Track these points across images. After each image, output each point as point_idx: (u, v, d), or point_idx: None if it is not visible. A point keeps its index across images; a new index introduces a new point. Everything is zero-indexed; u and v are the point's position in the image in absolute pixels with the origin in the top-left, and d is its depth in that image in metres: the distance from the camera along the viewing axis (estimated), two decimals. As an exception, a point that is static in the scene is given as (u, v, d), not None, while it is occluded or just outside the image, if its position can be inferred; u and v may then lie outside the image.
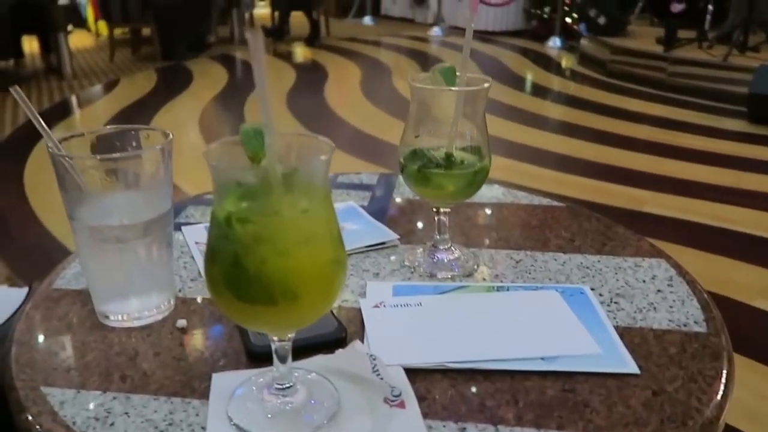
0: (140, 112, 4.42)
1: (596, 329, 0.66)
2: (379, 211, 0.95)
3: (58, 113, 4.49)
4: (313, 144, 0.50)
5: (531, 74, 5.84)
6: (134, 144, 0.66)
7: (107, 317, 0.66)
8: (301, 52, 6.95)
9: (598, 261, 0.81)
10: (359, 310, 0.69)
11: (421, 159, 0.74)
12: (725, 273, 2.25)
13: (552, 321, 0.68)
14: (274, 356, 0.53)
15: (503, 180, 2.98)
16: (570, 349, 0.63)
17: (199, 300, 0.72)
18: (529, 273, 0.78)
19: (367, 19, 9.15)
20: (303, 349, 0.59)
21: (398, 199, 1.00)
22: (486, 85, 0.72)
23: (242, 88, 5.17)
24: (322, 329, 0.63)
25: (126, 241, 0.63)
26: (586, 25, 6.31)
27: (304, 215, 0.47)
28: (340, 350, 0.60)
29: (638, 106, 4.58)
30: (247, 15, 7.88)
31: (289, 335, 0.52)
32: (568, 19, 6.93)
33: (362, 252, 0.83)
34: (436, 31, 7.80)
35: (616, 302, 0.72)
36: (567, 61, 6.34)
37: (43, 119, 0.63)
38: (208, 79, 5.49)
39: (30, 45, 6.39)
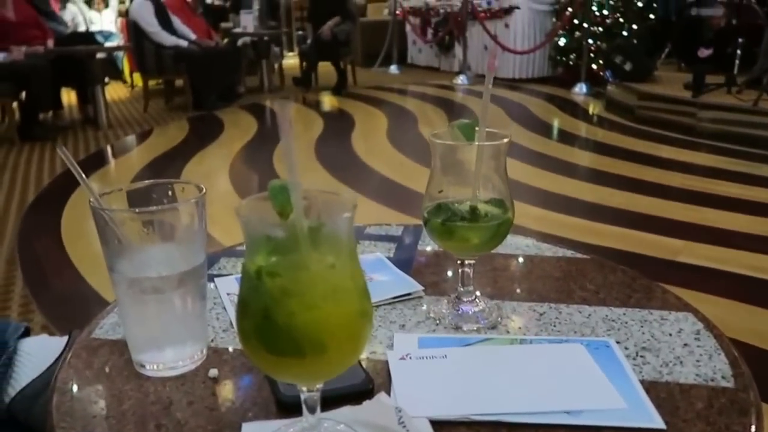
0: (172, 161, 4.54)
1: (622, 383, 0.67)
2: (405, 262, 0.97)
3: (93, 163, 4.64)
4: (338, 201, 0.53)
5: (558, 121, 5.87)
6: (170, 197, 0.69)
7: (143, 366, 0.69)
8: (328, 101, 7.10)
9: (624, 314, 0.82)
10: (386, 362, 0.71)
11: (445, 212, 0.76)
12: (764, 325, 2.20)
13: (577, 374, 0.69)
14: (303, 406, 0.55)
15: (532, 229, 2.97)
16: (595, 403, 0.63)
17: (230, 350, 0.74)
18: (554, 326, 0.79)
19: (394, 68, 9.34)
20: (331, 400, 0.61)
21: (424, 250, 1.02)
22: (505, 140, 0.74)
23: (271, 136, 5.29)
24: (350, 380, 0.65)
25: (162, 292, 0.66)
26: (612, 72, 6.35)
27: (330, 269, 0.50)
28: (367, 401, 0.61)
29: (669, 152, 4.55)
30: (276, 65, 8.10)
31: (318, 386, 0.54)
32: (593, 66, 6.98)
33: (389, 303, 0.84)
34: (461, 79, 7.92)
35: (642, 356, 0.73)
36: (594, 107, 6.36)
37: (83, 166, 0.66)
38: (238, 128, 5.64)
39: (68, 97, 6.64)
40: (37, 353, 0.85)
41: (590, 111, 6.29)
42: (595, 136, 5.34)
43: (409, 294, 0.86)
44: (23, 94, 5.24)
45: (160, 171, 4.35)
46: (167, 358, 0.68)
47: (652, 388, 0.66)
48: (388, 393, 0.65)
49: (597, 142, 5.08)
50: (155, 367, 0.68)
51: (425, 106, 6.65)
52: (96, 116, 5.81)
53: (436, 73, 9.12)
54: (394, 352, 0.72)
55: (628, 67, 6.14)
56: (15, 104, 5.28)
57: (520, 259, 0.98)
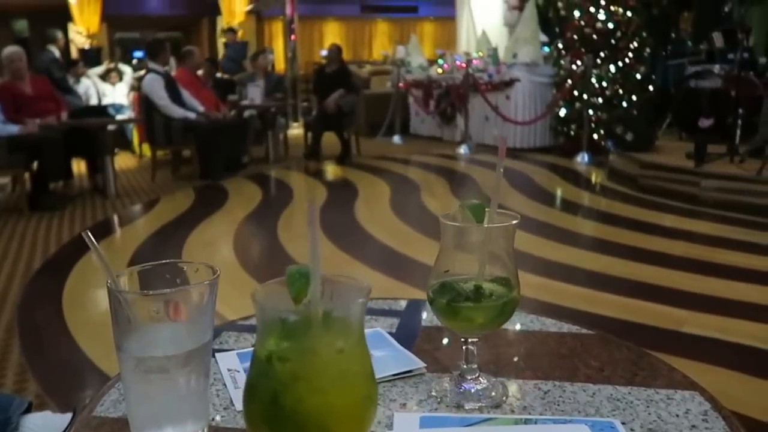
0: (177, 229, 4.57)
1: (628, 467, 0.65)
2: (406, 337, 0.96)
3: (100, 231, 4.67)
4: (352, 285, 0.54)
5: (561, 189, 5.92)
6: (182, 276, 0.69)
7: (143, 446, 0.67)
8: (332, 171, 7.20)
9: (629, 392, 0.80)
10: (386, 444, 0.69)
11: (450, 292, 0.76)
12: (769, 398, 2.15)
13: (582, 457, 0.67)
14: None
15: (532, 298, 2.96)
16: (601, 489, 0.61)
17: (230, 428, 0.72)
18: (558, 405, 0.77)
19: (396, 138, 9.50)
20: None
21: (426, 326, 1.01)
22: (514, 222, 0.75)
23: (275, 206, 5.34)
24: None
25: (168, 371, 0.65)
26: (614, 141, 6.43)
27: (339, 354, 0.50)
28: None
29: (672, 221, 4.56)
30: (281, 136, 8.25)
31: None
32: (595, 136, 7.08)
33: (389, 381, 0.83)
34: (463, 149, 8.04)
35: (648, 437, 0.71)
36: (596, 177, 6.41)
37: (102, 251, 0.67)
38: (243, 197, 5.70)
39: (78, 167, 6.76)
40: (41, 429, 0.83)
41: (593, 180, 6.35)
42: (598, 205, 5.37)
43: (410, 371, 0.85)
44: (35, 165, 5.33)
45: (166, 239, 4.37)
46: (167, 437, 0.66)
47: (660, 472, 0.65)
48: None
49: (600, 211, 5.11)
50: (156, 446, 0.67)
51: (428, 176, 6.73)
52: (105, 186, 5.90)
53: (438, 143, 9.27)
54: (395, 433, 0.71)
55: (629, 137, 6.22)
56: (26, 174, 5.37)
57: (524, 336, 0.97)
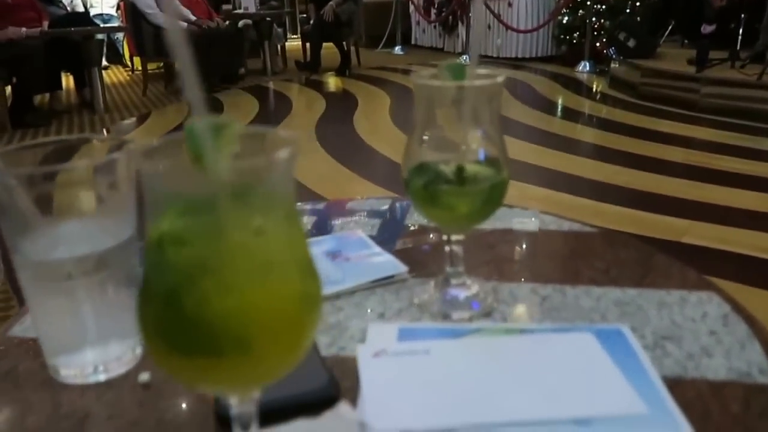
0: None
1: (639, 381, 0.55)
2: (388, 240, 0.85)
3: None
4: (272, 140, 0.39)
5: (562, 98, 5.73)
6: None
7: (58, 372, 0.56)
8: (332, 82, 6.95)
9: (638, 295, 0.70)
10: (357, 359, 0.59)
11: (428, 174, 0.64)
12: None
13: (586, 371, 0.57)
14: (234, 424, 0.42)
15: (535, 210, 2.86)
16: (609, 408, 0.52)
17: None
18: (558, 311, 0.67)
19: (398, 49, 9.18)
20: (282, 411, 0.49)
21: (411, 227, 0.90)
22: (499, 79, 0.62)
23: (273, 119, 5.16)
24: (308, 385, 0.53)
25: (77, 278, 0.53)
26: (616, 49, 6.21)
27: (257, 237, 0.36)
28: (328, 413, 0.50)
29: (672, 127, 4.43)
30: (279, 47, 7.93)
31: (254, 395, 0.41)
32: (597, 44, 6.83)
33: (367, 289, 0.73)
34: (465, 60, 7.73)
35: (661, 346, 0.61)
36: (598, 85, 6.22)
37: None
38: (239, 110, 5.50)
39: (67, 81, 6.50)
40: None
41: (594, 89, 6.16)
42: (599, 113, 5.21)
43: (391, 276, 0.74)
44: (16, 79, 5.11)
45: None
46: (87, 361, 0.55)
47: (676, 386, 0.55)
48: (356, 400, 0.54)
49: (601, 119, 4.96)
50: (72, 372, 0.56)
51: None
52: (93, 100, 5.67)
53: (439, 53, 8.95)
54: (367, 346, 0.61)
55: (631, 44, 6.01)
56: (9, 89, 5.15)
57: (519, 235, 0.86)
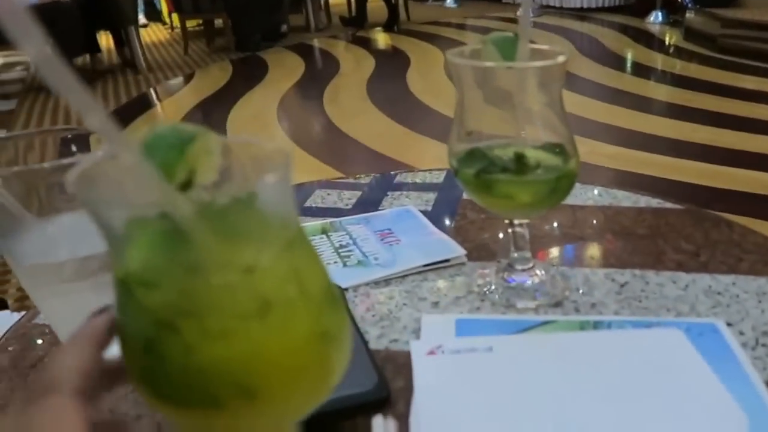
0: (217, 104, 4.39)
1: (739, 386, 0.47)
2: (443, 217, 0.78)
3: (137, 108, 4.51)
4: (258, 156, 0.31)
5: (632, 52, 5.42)
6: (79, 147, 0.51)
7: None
8: (380, 39, 6.77)
9: (734, 284, 0.61)
10: (410, 355, 0.53)
11: (481, 161, 0.56)
12: None
13: (675, 374, 0.49)
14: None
15: (609, 167, 2.74)
16: (704, 418, 0.44)
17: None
18: (639, 301, 0.59)
19: (450, 1, 8.85)
20: (325, 416, 0.44)
21: (469, 202, 0.83)
22: (560, 58, 0.53)
23: (320, 77, 5.07)
24: (355, 386, 0.47)
25: (78, 281, 0.47)
26: (692, -3, 5.83)
27: (249, 276, 0.29)
28: (378, 422, 0.44)
29: (755, 83, 4.11)
30: (322, 2, 7.76)
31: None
32: (671, -8, 6.43)
33: (420, 273, 0.66)
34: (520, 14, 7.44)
35: (764, 344, 0.52)
36: (671, 37, 5.86)
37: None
38: (284, 69, 5.42)
39: (107, 40, 6.52)
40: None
41: (667, 41, 5.80)
42: (674, 68, 4.90)
43: (447, 260, 0.68)
44: (53, 41, 5.14)
45: (208, 114, 4.22)
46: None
47: (783, 393, 0.47)
48: (409, 402, 0.48)
49: (676, 75, 4.67)
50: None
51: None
52: (134, 59, 5.65)
53: (496, 5, 8.58)
54: (421, 342, 0.54)
55: (710, -9, 5.61)
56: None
57: (591, 213, 0.78)
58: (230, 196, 0.28)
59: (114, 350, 0.33)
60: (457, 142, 0.58)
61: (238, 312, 0.29)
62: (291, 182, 0.30)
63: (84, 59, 5.77)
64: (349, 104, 4.24)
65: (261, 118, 4.03)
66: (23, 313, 0.75)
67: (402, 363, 0.53)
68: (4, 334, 0.60)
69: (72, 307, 0.46)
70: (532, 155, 0.54)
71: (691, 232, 0.71)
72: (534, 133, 0.55)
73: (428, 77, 4.90)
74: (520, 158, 0.54)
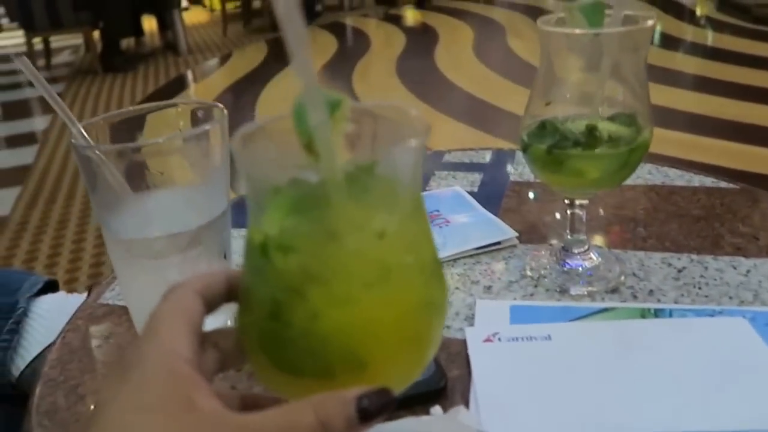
0: (251, 84, 4.41)
1: (812, 380, 0.46)
2: (491, 198, 0.76)
3: (174, 88, 4.56)
4: (398, 121, 0.32)
5: (661, 24, 5.29)
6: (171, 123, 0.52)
7: (151, 347, 0.54)
8: (410, 15, 6.72)
9: (799, 269, 0.59)
10: (465, 342, 0.52)
11: (552, 135, 0.54)
12: None
13: (741, 365, 0.48)
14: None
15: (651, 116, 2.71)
16: (778, 417, 0.43)
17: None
18: (699, 288, 0.57)
19: (479, -23, 8.75)
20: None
21: (517, 181, 0.81)
22: (650, 22, 0.51)
23: (351, 55, 5.06)
24: (413, 375, 0.47)
25: (167, 257, 0.50)
26: (726, -34, 5.65)
27: (379, 241, 0.30)
28: (437, 414, 0.43)
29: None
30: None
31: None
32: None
33: (470, 256, 0.65)
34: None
35: (834, 334, 0.51)
36: (703, 8, 5.70)
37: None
38: (317, 47, 5.41)
39: (149, 24, 6.61)
40: (52, 315, 0.72)
41: (698, 12, 5.65)
42: (705, 40, 4.78)
43: (498, 243, 0.66)
44: (101, 24, 5.21)
45: (240, 94, 4.23)
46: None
47: None
48: (467, 395, 0.47)
49: (707, 47, 4.56)
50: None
51: (514, 17, 6.17)
52: (176, 42, 5.75)
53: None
54: (476, 329, 0.53)
55: (745, -41, 5.44)
56: (96, 34, 5.27)
57: (643, 192, 0.76)
58: (372, 161, 0.29)
59: (210, 324, 0.34)
60: (530, 117, 0.56)
61: (363, 279, 0.29)
62: (423, 150, 0.30)
63: (128, 42, 5.88)
64: (377, 81, 4.22)
65: (291, 98, 4.01)
66: (78, 294, 0.75)
67: (456, 351, 0.52)
68: (74, 315, 0.60)
69: (157, 284, 0.48)
70: (605, 127, 0.53)
71: (748, 214, 0.69)
72: (614, 102, 0.54)
73: (455, 54, 4.85)
74: (591, 131, 0.52)
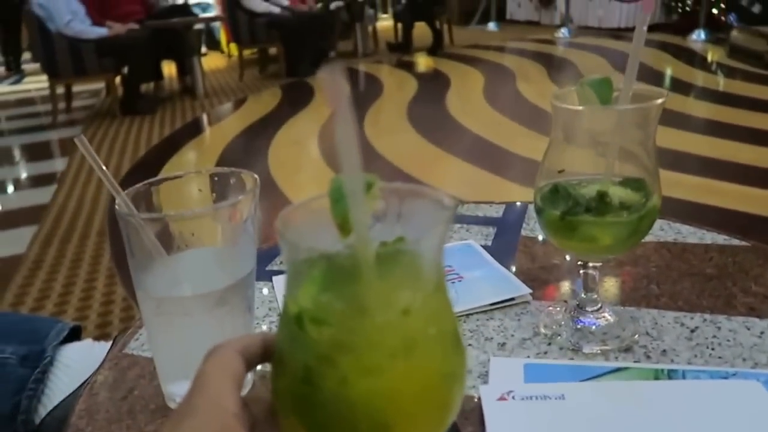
0: (264, 128, 4.49)
1: (826, 445, 0.46)
2: (505, 253, 0.78)
3: (189, 131, 4.65)
4: (427, 202, 0.34)
5: (673, 69, 5.35)
6: (209, 188, 0.55)
7: (174, 400, 0.55)
8: (423, 62, 6.85)
9: (811, 330, 0.59)
10: (479, 400, 0.53)
11: (565, 200, 0.56)
12: None
13: (755, 430, 0.48)
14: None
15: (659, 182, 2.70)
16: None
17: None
18: (712, 348, 0.58)
19: (492, 25, 8.94)
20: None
21: (529, 236, 0.82)
22: (659, 100, 0.53)
23: (362, 101, 5.15)
24: None
25: (195, 315, 0.52)
26: (737, 15, 5.73)
27: (404, 316, 0.32)
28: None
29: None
30: (370, 28, 7.91)
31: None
32: (714, 10, 6.33)
33: (485, 312, 0.66)
34: (563, 33, 7.44)
35: None
36: (715, 55, 5.76)
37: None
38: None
39: (168, 68, 6.78)
40: (77, 364, 0.73)
41: (710, 58, 5.71)
42: (717, 86, 4.82)
43: (512, 299, 0.67)
44: (125, 69, 5.35)
45: (253, 138, 4.31)
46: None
47: None
48: (484, 455, 0.47)
49: (719, 92, 4.59)
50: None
51: (524, 62, 6.27)
52: (194, 86, 5.88)
53: (536, 27, 8.62)
54: (490, 387, 0.54)
55: (755, 9, 5.53)
56: (118, 79, 5.41)
57: (656, 249, 0.77)
58: (399, 242, 0.32)
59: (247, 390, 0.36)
60: (543, 178, 0.58)
61: (389, 350, 0.32)
62: (447, 229, 0.33)
63: (148, 86, 6.05)
64: (388, 124, 4.29)
65: (302, 141, 4.09)
66: (103, 343, 0.77)
67: (470, 409, 0.53)
68: (101, 365, 0.62)
69: (184, 340, 0.51)
70: (615, 193, 0.54)
71: (760, 273, 0.69)
72: (623, 170, 0.55)
73: (467, 99, 4.93)
74: (602, 197, 0.54)
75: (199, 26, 6.82)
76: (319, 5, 7.17)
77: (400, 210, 0.35)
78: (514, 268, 0.74)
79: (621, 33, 7.08)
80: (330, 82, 0.29)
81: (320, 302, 0.32)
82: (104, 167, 0.50)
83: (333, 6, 7.34)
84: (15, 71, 8.38)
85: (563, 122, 0.56)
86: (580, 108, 0.54)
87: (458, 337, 0.35)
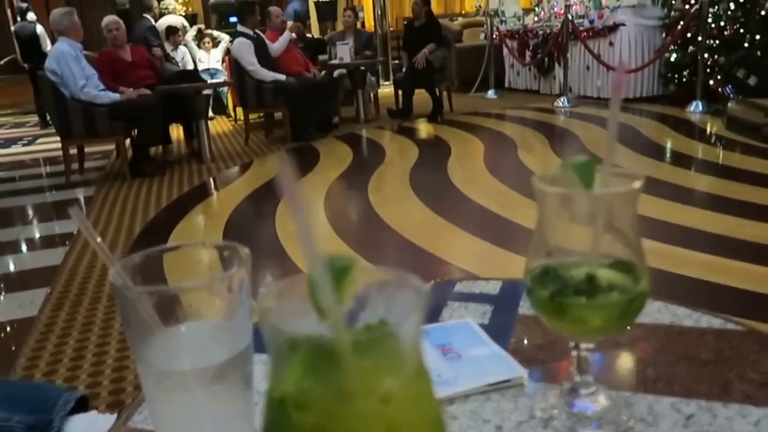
0: (269, 193, 4.55)
1: None
2: (501, 332, 0.78)
3: (196, 196, 4.72)
4: (402, 288, 0.36)
5: (672, 142, 5.44)
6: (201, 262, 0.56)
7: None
8: (423, 129, 6.99)
9: (807, 419, 0.59)
10: (475, 488, 0.53)
11: (555, 282, 0.57)
12: None
13: None
14: None
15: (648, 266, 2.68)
16: None
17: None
18: (708, 436, 0.58)
19: (491, 93, 9.14)
20: None
21: (526, 315, 0.83)
22: (637, 184, 0.55)
23: (366, 166, 5.24)
24: None
25: (193, 390, 0.52)
26: (734, 87, 5.85)
27: (384, 403, 0.33)
28: None
29: (805, 175, 4.06)
30: (371, 95, 8.10)
31: None
32: (711, 82, 6.47)
33: (482, 393, 0.66)
34: (562, 102, 7.60)
35: None
36: (713, 127, 5.86)
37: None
38: (334, 158, 5.62)
39: (177, 132, 6.92)
40: (83, 437, 0.73)
41: (708, 130, 5.81)
42: (716, 159, 4.89)
43: (507, 380, 0.68)
44: (135, 132, 5.47)
45: (259, 202, 4.36)
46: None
47: None
48: None
49: (719, 165, 4.65)
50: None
51: (524, 131, 6.39)
52: (200, 150, 5.99)
53: (535, 96, 8.82)
54: (487, 475, 0.54)
55: (752, 81, 5.65)
56: (128, 141, 5.53)
57: (652, 332, 0.77)
58: (377, 327, 0.33)
59: None
60: (533, 259, 0.59)
61: None
62: (421, 317, 0.34)
63: (157, 149, 6.20)
64: (392, 193, 4.35)
65: (308, 206, 4.12)
66: (108, 415, 0.77)
67: (467, 495, 0.52)
68: None
69: (184, 415, 0.51)
70: (604, 275, 0.55)
71: (756, 359, 0.70)
72: (608, 251, 0.57)
73: (468, 167, 5.01)
74: (591, 279, 0.55)
75: (207, 91, 6.99)
76: (323, 73, 7.38)
77: (378, 294, 0.36)
78: (510, 348, 0.74)
79: (621, 104, 7.23)
80: (283, 177, 0.31)
81: (303, 388, 0.33)
82: (99, 239, 0.52)
83: (336, 73, 7.56)
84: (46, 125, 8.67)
85: (546, 204, 0.58)
86: (559, 190, 0.56)
87: (441, 422, 0.35)
